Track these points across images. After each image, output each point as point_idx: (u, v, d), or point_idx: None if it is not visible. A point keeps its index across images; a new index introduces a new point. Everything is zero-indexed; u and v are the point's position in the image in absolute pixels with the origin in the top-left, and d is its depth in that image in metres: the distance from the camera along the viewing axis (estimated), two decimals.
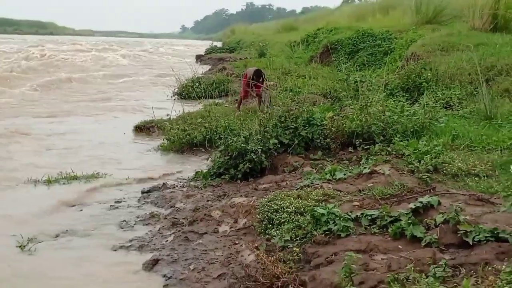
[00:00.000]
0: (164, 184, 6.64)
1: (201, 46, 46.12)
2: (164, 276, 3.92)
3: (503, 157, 5.58)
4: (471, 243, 3.56)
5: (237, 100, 11.11)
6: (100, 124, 11.55)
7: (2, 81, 17.81)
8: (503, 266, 2.92)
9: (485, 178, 5.12)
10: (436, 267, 3.22)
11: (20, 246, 4.50)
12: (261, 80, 10.06)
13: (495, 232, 3.58)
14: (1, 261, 4.29)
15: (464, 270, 3.23)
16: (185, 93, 14.28)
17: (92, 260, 4.44)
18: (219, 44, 41.86)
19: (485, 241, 3.54)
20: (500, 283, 2.72)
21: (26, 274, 4.13)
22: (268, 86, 10.24)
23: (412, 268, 3.17)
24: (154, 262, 4.18)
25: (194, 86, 13.67)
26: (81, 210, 5.75)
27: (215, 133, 8.02)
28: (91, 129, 10.71)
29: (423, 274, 3.11)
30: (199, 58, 31.07)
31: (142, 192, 6.43)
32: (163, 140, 8.92)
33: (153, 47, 50.88)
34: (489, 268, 3.10)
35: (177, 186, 6.68)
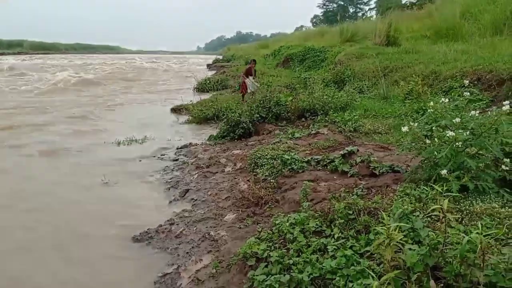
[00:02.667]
0: (190, 143, 8.93)
1: (210, 58, 60.66)
2: (192, 199, 5.61)
3: (395, 121, 7.72)
4: (377, 173, 5.02)
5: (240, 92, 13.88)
6: (153, 105, 16.31)
7: (110, 77, 26.56)
8: (398, 187, 4.24)
9: (385, 134, 7.11)
10: (357, 189, 4.57)
11: (104, 182, 6.61)
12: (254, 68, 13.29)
13: (392, 166, 5.06)
14: (91, 191, 6.18)
15: (374, 191, 4.53)
16: (201, 87, 20.06)
17: (148, 190, 6.28)
18: (220, 57, 56.59)
19: (386, 172, 4.98)
20: (395, 197, 3.93)
21: (107, 198, 5.96)
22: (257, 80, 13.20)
23: (343, 190, 4.53)
24: (186, 191, 5.83)
25: (207, 83, 20.20)
26: (140, 160, 7.95)
27: (220, 111, 11.10)
28: (148, 109, 15.27)
29: (349, 193, 4.41)
30: (208, 66, 42.80)
31: (177, 148, 8.71)
32: (189, 116, 12.46)
33: (180, 60, 65.86)
34: (389, 189, 4.43)
35: (198, 144, 8.89)
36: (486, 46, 12.68)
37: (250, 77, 13.15)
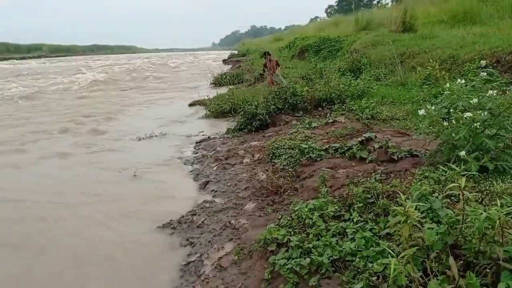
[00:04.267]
0: (208, 137, 9.09)
1: (225, 54, 60.04)
2: (213, 190, 5.72)
3: (413, 107, 7.66)
4: (396, 159, 5.00)
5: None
6: (171, 101, 16.46)
7: (127, 76, 27.85)
8: (416, 171, 4.26)
9: (403, 120, 7.08)
10: (376, 174, 4.57)
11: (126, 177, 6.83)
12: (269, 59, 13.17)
13: (410, 151, 5.04)
14: (113, 186, 6.51)
15: (393, 175, 4.50)
16: (217, 82, 20.16)
17: (168, 184, 6.44)
18: (236, 52, 56.08)
19: (404, 157, 4.98)
20: (414, 180, 3.96)
21: (129, 192, 6.20)
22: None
23: (361, 175, 4.59)
24: (206, 182, 5.94)
25: (223, 78, 20.25)
26: (160, 155, 8.01)
27: (237, 105, 11.05)
28: (167, 105, 15.48)
29: (368, 178, 4.43)
30: (224, 61, 42.19)
31: (196, 142, 8.83)
32: (206, 111, 12.47)
33: (196, 56, 66.71)
34: (408, 173, 4.45)
35: (216, 137, 9.02)
36: (506, 28, 12.39)
37: (277, 71, 12.99)
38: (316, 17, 71.07)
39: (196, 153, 7.99)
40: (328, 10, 79.96)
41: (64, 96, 19.34)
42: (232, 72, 22.60)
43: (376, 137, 5.84)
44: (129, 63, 46.30)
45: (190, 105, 14.62)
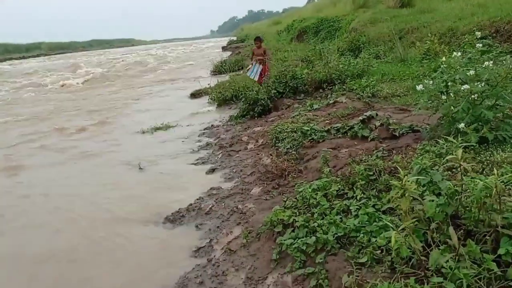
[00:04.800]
0: (212, 125, 9.18)
1: (224, 41, 60.79)
2: (219, 177, 5.81)
3: (413, 83, 7.61)
4: (397, 135, 5.04)
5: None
6: (173, 92, 16.56)
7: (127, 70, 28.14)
8: (417, 146, 4.30)
9: (403, 96, 7.09)
10: (378, 151, 4.62)
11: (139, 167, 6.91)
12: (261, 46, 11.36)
13: (412, 127, 5.08)
14: (122, 177, 6.67)
15: (395, 152, 4.55)
16: (217, 70, 20.23)
17: (175, 173, 6.52)
18: (234, 38, 55.13)
19: (406, 133, 5.02)
20: (415, 155, 3.99)
21: (137, 183, 6.37)
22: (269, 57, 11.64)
23: (363, 154, 4.64)
24: (212, 169, 6.06)
25: (223, 65, 20.23)
26: (165, 146, 8.26)
27: (238, 91, 10.84)
28: (168, 96, 15.58)
29: (370, 156, 4.47)
30: (224, 48, 42.17)
31: (200, 131, 8.92)
32: (208, 99, 12.54)
33: (195, 45, 67.60)
34: (409, 148, 4.46)
35: (219, 125, 9.14)
36: None
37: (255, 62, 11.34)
38: None
39: (200, 142, 8.08)
40: None
41: (62, 93, 19.43)
42: (232, 59, 22.55)
43: (377, 115, 5.87)
44: (128, 56, 46.51)
45: (192, 94, 14.66)
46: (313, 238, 3.15)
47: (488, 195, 2.46)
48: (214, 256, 3.86)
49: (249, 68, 11.24)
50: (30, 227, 5.17)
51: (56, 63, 45.19)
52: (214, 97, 12.25)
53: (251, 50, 12.63)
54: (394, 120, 5.48)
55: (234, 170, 5.97)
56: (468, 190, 2.71)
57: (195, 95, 14.54)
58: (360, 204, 3.40)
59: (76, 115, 12.82)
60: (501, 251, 2.31)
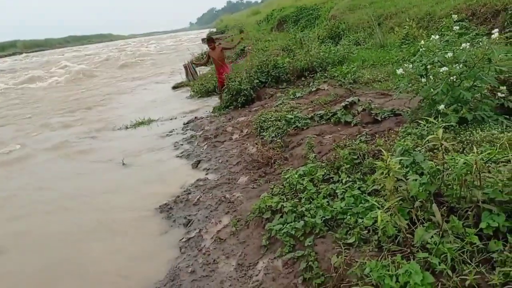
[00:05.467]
0: (195, 117, 9.17)
1: (204, 33, 58.71)
2: (205, 169, 5.83)
3: (393, 68, 7.70)
4: (380, 119, 5.17)
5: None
6: (155, 85, 16.44)
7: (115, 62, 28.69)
8: (400, 129, 4.38)
9: (384, 82, 7.18)
10: (361, 136, 4.73)
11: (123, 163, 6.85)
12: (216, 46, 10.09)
13: (393, 111, 5.21)
14: (108, 173, 6.60)
15: (378, 136, 4.63)
16: (199, 62, 17.93)
17: (160, 167, 6.50)
18: (214, 30, 54.03)
19: (388, 117, 5.15)
20: (398, 138, 4.07)
21: (123, 179, 6.30)
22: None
23: (347, 139, 4.71)
24: (198, 162, 6.05)
25: (204, 57, 18.24)
26: (149, 140, 8.18)
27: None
28: (150, 90, 15.45)
29: (353, 141, 4.56)
30: (204, 40, 39.92)
31: (184, 124, 8.89)
32: (190, 92, 12.52)
33: (174, 38, 67.02)
34: (392, 131, 4.56)
35: (203, 117, 9.13)
36: None
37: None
38: None
39: (184, 134, 8.06)
40: None
41: (46, 90, 19.11)
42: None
43: (359, 100, 5.96)
44: (106, 51, 45.94)
45: (174, 87, 14.61)
46: (301, 222, 3.21)
47: (469, 172, 2.55)
48: (204, 245, 3.89)
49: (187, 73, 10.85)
50: None
51: (32, 61, 44.31)
52: (196, 89, 12.23)
53: (205, 55, 10.95)
54: (376, 105, 5.60)
55: (220, 161, 5.98)
56: (449, 169, 2.79)
57: (177, 87, 14.50)
58: (346, 187, 3.47)
59: (56, 112, 12.63)
60: (482, 225, 2.40)
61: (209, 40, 10.56)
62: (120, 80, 19.85)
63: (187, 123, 8.97)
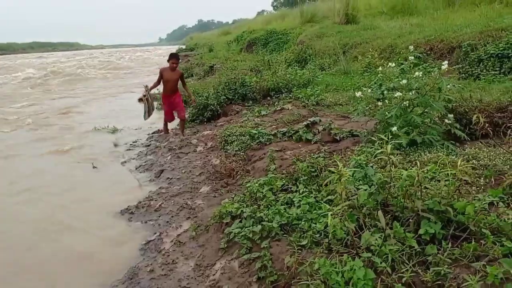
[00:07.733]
0: (159, 129, 9.12)
1: (173, 49, 55.46)
2: (168, 178, 5.91)
3: (354, 93, 8.12)
4: (338, 139, 5.48)
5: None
6: (121, 97, 16.46)
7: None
8: (356, 147, 4.74)
9: (345, 105, 7.56)
10: (320, 153, 4.97)
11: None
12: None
13: (351, 131, 5.53)
14: (70, 179, 6.47)
15: (336, 153, 4.92)
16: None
17: (123, 175, 6.50)
18: (183, 46, 54.69)
19: (346, 137, 5.46)
20: (353, 155, 4.27)
21: (85, 186, 6.20)
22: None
23: (307, 155, 4.91)
24: (161, 171, 6.12)
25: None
26: (116, 145, 8.26)
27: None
28: (116, 101, 15.42)
29: (312, 155, 4.76)
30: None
31: (148, 135, 8.91)
32: (157, 104, 11.53)
33: (143, 52, 65.42)
34: (348, 150, 4.84)
35: (168, 129, 8.97)
36: (440, 18, 13.41)
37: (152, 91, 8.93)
38: (263, 11, 72.42)
39: (149, 145, 8.09)
40: (275, 4, 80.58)
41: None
42: (181, 66, 22.51)
43: (320, 121, 6.31)
44: (71, 60, 45.11)
45: (140, 100, 14.52)
46: (259, 226, 3.39)
47: (411, 184, 2.83)
48: (164, 247, 4.00)
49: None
50: None
51: None
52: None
53: (159, 74, 8.70)
54: (336, 126, 5.90)
55: (183, 171, 6.09)
56: (396, 182, 3.07)
57: (142, 99, 14.43)
58: (303, 196, 3.69)
59: (13, 122, 12.18)
60: (421, 231, 2.67)
61: (173, 57, 8.59)
62: (86, 92, 19.51)
63: (152, 134, 9.03)
